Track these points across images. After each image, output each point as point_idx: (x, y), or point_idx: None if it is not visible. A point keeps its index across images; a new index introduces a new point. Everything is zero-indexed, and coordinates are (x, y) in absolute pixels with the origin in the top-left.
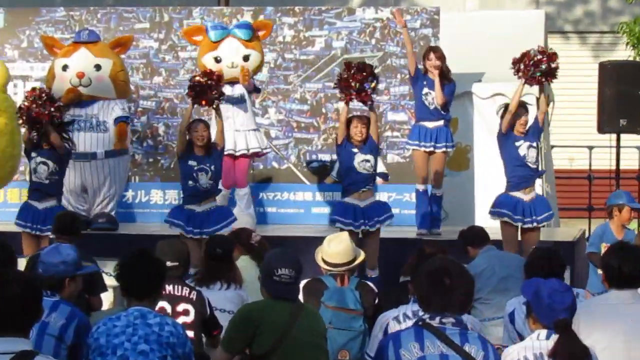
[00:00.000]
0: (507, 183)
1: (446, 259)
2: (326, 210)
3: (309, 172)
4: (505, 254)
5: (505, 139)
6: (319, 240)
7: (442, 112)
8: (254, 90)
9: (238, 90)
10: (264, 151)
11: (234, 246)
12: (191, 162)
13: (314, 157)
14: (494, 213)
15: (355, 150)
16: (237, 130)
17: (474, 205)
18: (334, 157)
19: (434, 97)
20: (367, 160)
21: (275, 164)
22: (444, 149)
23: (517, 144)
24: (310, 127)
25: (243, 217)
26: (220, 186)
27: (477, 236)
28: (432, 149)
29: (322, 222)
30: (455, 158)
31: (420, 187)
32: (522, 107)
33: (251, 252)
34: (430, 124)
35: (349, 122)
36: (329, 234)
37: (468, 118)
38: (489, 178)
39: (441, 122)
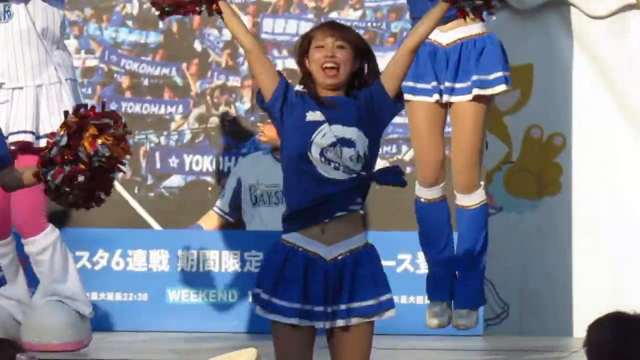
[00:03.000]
0: None
1: None
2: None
3: (167, 203)
4: None
5: None
6: None
7: None
8: None
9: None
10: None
11: None
12: None
13: (173, 161)
14: None
15: (317, 116)
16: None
17: (572, 277)
18: (227, 162)
19: None
20: (349, 143)
21: None
22: (477, 90)
23: None
24: (163, 89)
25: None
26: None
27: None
28: (446, 94)
29: (197, 326)
30: (530, 167)
31: (424, 194)
32: None
33: None
34: (443, 36)
35: (308, 42)
36: (216, 351)
37: (558, 67)
38: (609, 213)
39: (475, 28)
